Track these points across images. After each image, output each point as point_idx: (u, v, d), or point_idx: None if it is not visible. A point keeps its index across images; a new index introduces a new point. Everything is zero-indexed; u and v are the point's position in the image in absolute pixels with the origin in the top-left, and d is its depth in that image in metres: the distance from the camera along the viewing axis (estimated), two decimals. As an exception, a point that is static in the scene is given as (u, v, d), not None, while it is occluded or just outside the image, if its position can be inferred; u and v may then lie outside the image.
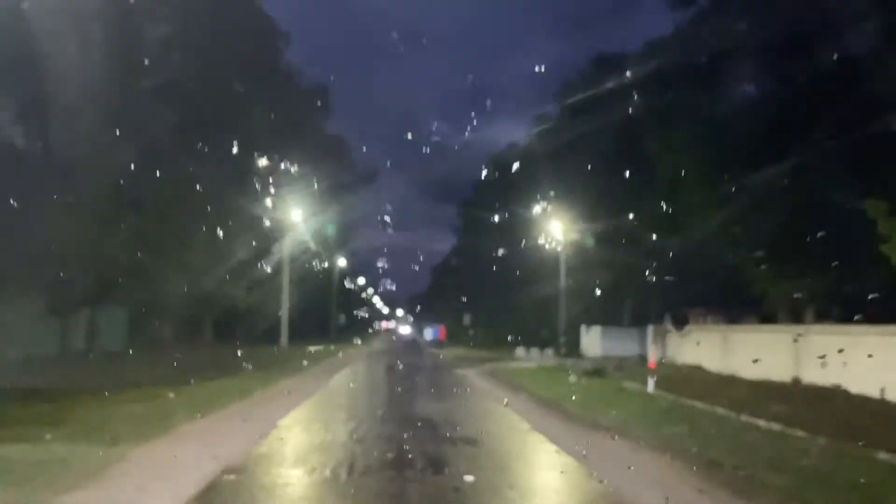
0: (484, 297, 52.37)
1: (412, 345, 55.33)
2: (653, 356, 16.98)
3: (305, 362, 24.19)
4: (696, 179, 20.49)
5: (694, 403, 13.37)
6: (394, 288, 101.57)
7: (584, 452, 8.75)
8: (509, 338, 43.48)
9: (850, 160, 16.32)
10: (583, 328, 34.13)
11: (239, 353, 25.27)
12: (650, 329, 24.77)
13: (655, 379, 16.20)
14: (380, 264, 79.24)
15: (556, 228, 32.49)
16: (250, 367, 19.60)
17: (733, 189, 18.74)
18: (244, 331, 37.88)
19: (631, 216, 24.46)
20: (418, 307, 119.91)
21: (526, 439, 10.54)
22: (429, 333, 61.78)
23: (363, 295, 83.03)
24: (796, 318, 20.15)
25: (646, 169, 23.39)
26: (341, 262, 57.94)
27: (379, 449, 8.78)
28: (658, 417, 11.78)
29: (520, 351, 34.28)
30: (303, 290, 42.51)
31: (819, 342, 15.18)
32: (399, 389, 18.34)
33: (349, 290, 62.63)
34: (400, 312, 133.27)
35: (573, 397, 14.93)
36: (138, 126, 20.93)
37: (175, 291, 27.16)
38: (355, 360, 30.57)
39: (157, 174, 20.94)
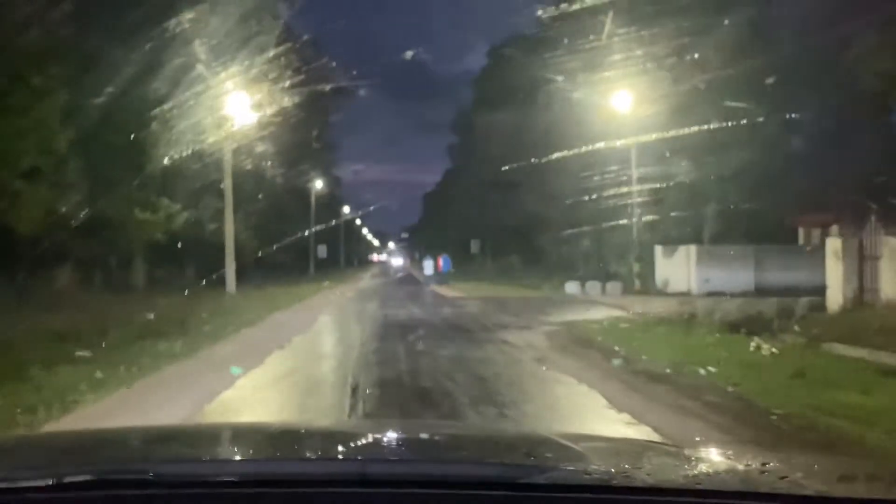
0: (493, 219, 42.34)
1: (408, 281, 44.59)
2: None
3: (231, 328, 13.72)
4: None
5: None
6: (383, 221, 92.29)
7: None
8: (533, 268, 33.91)
9: None
10: (658, 250, 23.62)
11: (148, 308, 15.41)
12: (832, 244, 14.35)
13: None
14: (368, 196, 68.80)
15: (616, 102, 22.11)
16: (87, 353, 8.98)
17: None
18: (198, 270, 27.61)
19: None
20: (409, 238, 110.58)
21: None
22: (429, 267, 49.91)
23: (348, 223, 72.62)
24: None
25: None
26: (318, 183, 47.94)
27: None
28: None
29: (571, 286, 23.97)
30: (265, 217, 32.61)
31: None
32: None
33: (334, 221, 51.49)
34: (392, 245, 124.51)
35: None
36: None
37: (30, 216, 17.38)
38: (320, 312, 19.09)
39: None
